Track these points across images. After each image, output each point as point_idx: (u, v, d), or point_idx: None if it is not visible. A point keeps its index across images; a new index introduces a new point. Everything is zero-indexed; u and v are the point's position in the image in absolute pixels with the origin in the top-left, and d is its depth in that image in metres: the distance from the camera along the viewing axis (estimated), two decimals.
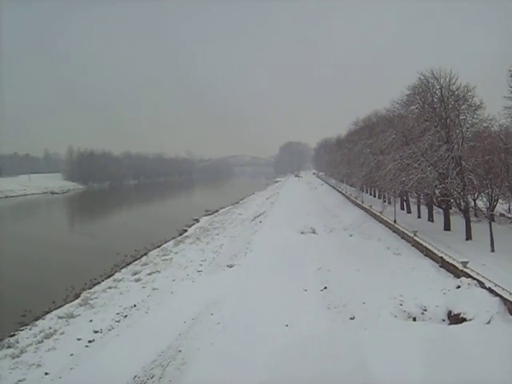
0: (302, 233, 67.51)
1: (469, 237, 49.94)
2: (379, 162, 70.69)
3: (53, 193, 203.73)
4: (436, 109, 54.37)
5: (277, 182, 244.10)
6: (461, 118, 52.78)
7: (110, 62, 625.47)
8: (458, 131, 51.87)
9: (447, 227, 55.96)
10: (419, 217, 67.33)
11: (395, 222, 59.78)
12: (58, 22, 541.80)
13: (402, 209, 73.20)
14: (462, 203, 50.88)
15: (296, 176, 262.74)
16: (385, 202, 78.11)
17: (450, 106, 53.27)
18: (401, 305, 30.68)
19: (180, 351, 28.43)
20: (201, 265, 56.80)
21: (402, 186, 55.89)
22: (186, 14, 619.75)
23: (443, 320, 29.62)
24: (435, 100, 55.10)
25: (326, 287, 39.21)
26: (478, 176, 48.90)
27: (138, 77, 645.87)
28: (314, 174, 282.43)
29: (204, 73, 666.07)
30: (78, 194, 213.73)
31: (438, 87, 54.59)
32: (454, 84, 53.58)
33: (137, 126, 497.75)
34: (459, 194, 50.30)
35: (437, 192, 52.11)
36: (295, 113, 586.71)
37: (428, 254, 44.57)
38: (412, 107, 59.85)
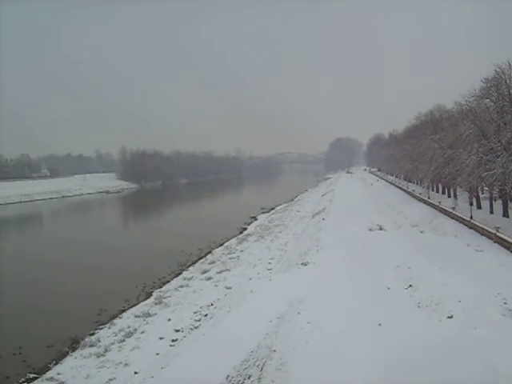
0: (370, 229, 66.10)
1: None
2: (449, 156, 68.80)
3: (108, 192, 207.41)
4: None
5: (328, 178, 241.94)
6: None
7: (153, 66, 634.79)
8: None
9: None
10: (491, 212, 64.91)
11: (471, 217, 57.81)
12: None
13: (471, 204, 71.03)
14: None
15: (348, 172, 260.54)
16: (449, 197, 75.94)
17: None
18: (505, 303, 29.29)
19: (275, 351, 27.74)
20: (270, 263, 56.24)
21: (481, 182, 54.14)
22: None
23: None
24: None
25: (410, 285, 37.95)
26: None
27: (191, 81, 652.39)
28: (365, 169, 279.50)
29: (249, 73, 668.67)
30: (132, 193, 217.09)
31: None
32: None
33: (186, 126, 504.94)
34: None
35: None
36: (341, 109, 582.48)
37: None
38: (486, 100, 57.79)
